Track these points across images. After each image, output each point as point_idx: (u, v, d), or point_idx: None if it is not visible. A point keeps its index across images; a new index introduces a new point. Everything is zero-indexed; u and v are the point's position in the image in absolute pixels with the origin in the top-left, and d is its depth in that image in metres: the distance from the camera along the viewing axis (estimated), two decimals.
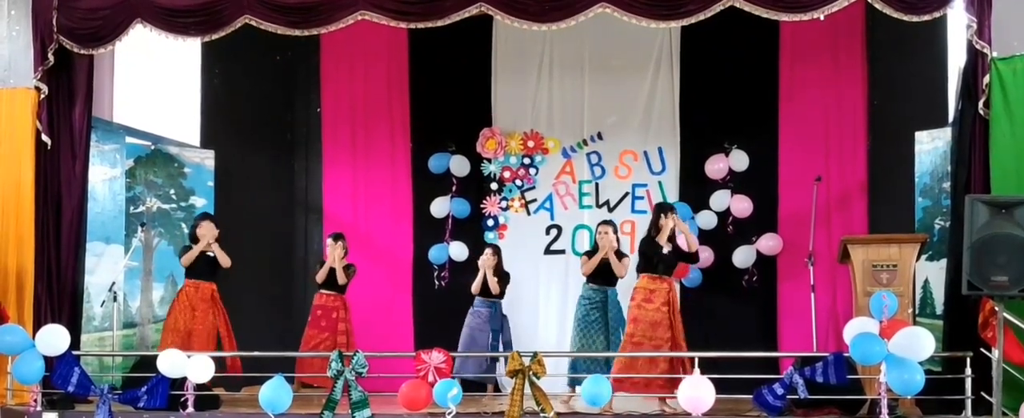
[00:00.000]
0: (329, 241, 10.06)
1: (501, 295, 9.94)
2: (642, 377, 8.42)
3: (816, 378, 7.15)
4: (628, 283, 9.01)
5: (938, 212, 9.35)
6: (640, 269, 8.80)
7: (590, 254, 9.25)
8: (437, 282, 11.09)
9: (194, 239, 9.39)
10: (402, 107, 11.27)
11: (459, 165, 11.07)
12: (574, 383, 8.99)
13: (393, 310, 11.06)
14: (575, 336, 9.14)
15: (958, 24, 8.38)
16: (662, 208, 8.94)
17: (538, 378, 7.34)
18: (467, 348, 9.63)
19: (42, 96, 8.92)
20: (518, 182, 11.10)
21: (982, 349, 7.41)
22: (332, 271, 9.82)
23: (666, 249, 8.68)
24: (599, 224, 9.41)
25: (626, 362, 8.56)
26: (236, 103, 11.25)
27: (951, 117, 8.77)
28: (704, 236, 10.57)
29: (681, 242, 8.94)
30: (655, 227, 8.78)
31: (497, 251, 10.10)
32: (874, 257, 8.13)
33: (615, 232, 9.28)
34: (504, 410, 7.46)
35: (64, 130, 9.03)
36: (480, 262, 9.99)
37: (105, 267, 9.78)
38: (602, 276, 9.13)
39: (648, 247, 8.75)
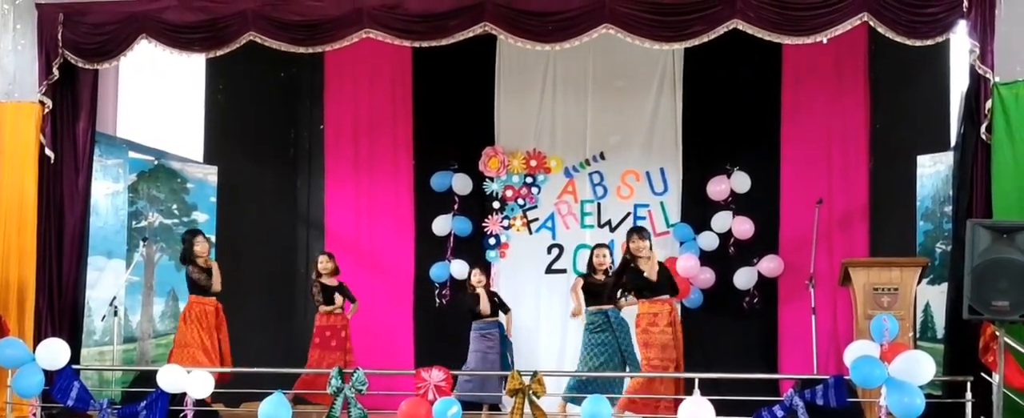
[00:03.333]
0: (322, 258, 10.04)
1: (494, 314, 9.87)
2: (644, 398, 8.42)
3: (816, 401, 7.13)
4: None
5: (940, 236, 9.35)
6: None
7: (584, 277, 9.33)
8: (438, 300, 11.08)
9: (191, 256, 9.36)
10: (405, 125, 11.29)
11: (461, 183, 11.08)
12: (568, 400, 8.98)
13: (393, 327, 11.04)
14: (581, 358, 9.14)
15: (961, 49, 8.40)
16: (636, 232, 8.98)
17: (538, 397, 7.33)
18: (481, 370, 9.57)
19: (46, 110, 8.96)
20: (520, 201, 11.11)
21: (983, 374, 7.40)
22: (325, 286, 9.83)
23: (647, 274, 8.71)
24: (595, 247, 9.50)
25: (640, 384, 8.58)
26: (239, 119, 11.28)
27: (953, 141, 8.78)
28: (706, 257, 10.60)
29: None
30: (630, 252, 8.86)
31: (486, 270, 10.07)
32: (875, 280, 8.12)
33: (610, 254, 9.34)
34: None
35: (67, 144, 9.05)
36: (475, 282, 9.94)
37: (106, 281, 9.79)
38: (595, 298, 9.15)
39: (624, 273, 8.86)
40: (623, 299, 9.05)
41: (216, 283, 9.33)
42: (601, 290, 9.15)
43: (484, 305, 9.58)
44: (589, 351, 8.98)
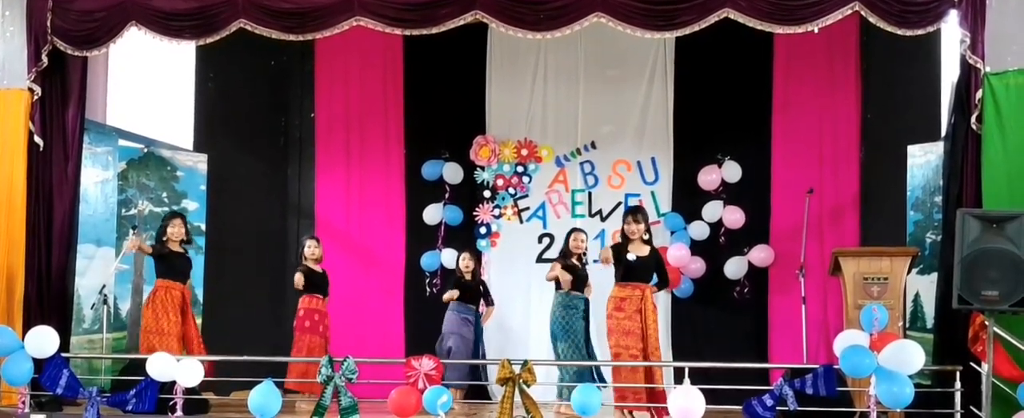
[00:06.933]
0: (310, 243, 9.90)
1: (474, 301, 9.87)
2: (615, 386, 8.38)
3: (806, 390, 7.16)
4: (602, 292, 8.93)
5: (930, 226, 9.36)
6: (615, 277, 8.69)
7: (562, 260, 9.21)
8: (429, 289, 11.07)
9: (161, 236, 9.30)
10: (396, 113, 11.27)
11: (452, 172, 11.07)
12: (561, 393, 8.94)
13: (384, 316, 11.03)
14: (563, 342, 9.10)
15: (952, 39, 8.41)
16: (627, 212, 8.87)
17: (528, 386, 7.34)
18: (463, 355, 9.57)
19: (35, 97, 8.93)
20: (511, 190, 11.10)
21: (972, 363, 7.43)
22: (311, 273, 9.71)
23: (632, 256, 8.49)
24: (572, 231, 9.43)
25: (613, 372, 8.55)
26: (230, 107, 11.24)
27: (944, 131, 8.79)
28: (696, 247, 10.60)
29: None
30: (623, 233, 8.73)
31: (476, 257, 10.05)
32: (865, 270, 8.14)
33: (587, 239, 9.38)
34: None
35: (57, 131, 9.02)
36: (463, 267, 9.92)
37: (96, 269, 9.75)
38: (572, 282, 9.11)
39: (615, 254, 8.68)
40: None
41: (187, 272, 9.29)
42: (578, 274, 9.10)
43: (450, 294, 9.68)
44: (568, 337, 8.99)
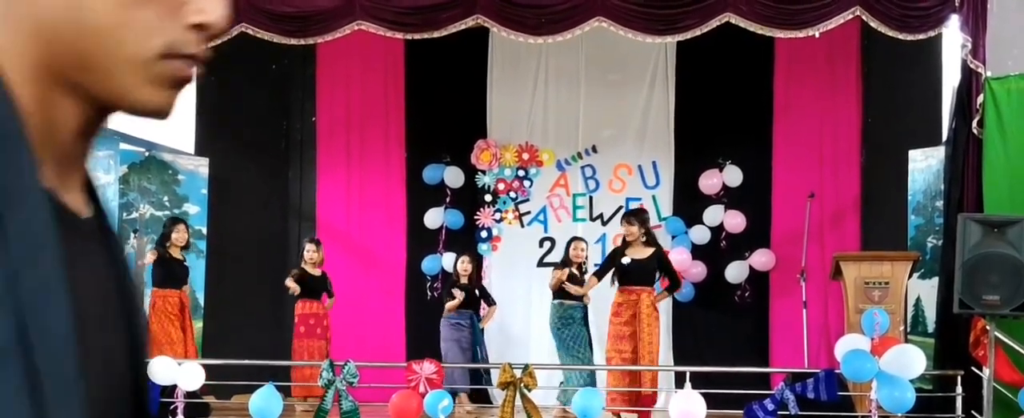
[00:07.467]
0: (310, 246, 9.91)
1: (469, 306, 9.85)
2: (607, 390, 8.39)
3: (807, 394, 7.16)
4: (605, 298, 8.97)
5: (931, 230, 9.36)
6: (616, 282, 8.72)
7: (561, 268, 9.23)
8: (429, 293, 11.07)
9: (165, 241, 9.32)
10: (397, 117, 11.27)
11: (453, 176, 11.07)
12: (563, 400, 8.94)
13: (385, 320, 11.03)
14: (566, 354, 9.09)
15: (953, 43, 8.42)
16: (623, 215, 8.88)
17: (529, 390, 7.34)
18: (457, 360, 9.56)
19: None
20: (512, 194, 11.10)
21: (973, 368, 7.43)
22: (305, 277, 9.70)
23: (627, 260, 8.52)
24: (573, 240, 9.44)
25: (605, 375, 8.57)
26: (231, 111, 11.23)
27: (945, 136, 8.80)
28: (697, 251, 10.61)
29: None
30: (622, 237, 8.75)
31: (475, 260, 10.06)
32: (866, 274, 8.14)
33: (587, 247, 9.38)
34: None
35: None
36: (461, 270, 9.91)
37: None
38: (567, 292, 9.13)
39: (610, 259, 8.67)
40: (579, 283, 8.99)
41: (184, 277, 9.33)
42: (577, 282, 9.10)
43: (452, 305, 9.55)
44: (569, 344, 8.98)
